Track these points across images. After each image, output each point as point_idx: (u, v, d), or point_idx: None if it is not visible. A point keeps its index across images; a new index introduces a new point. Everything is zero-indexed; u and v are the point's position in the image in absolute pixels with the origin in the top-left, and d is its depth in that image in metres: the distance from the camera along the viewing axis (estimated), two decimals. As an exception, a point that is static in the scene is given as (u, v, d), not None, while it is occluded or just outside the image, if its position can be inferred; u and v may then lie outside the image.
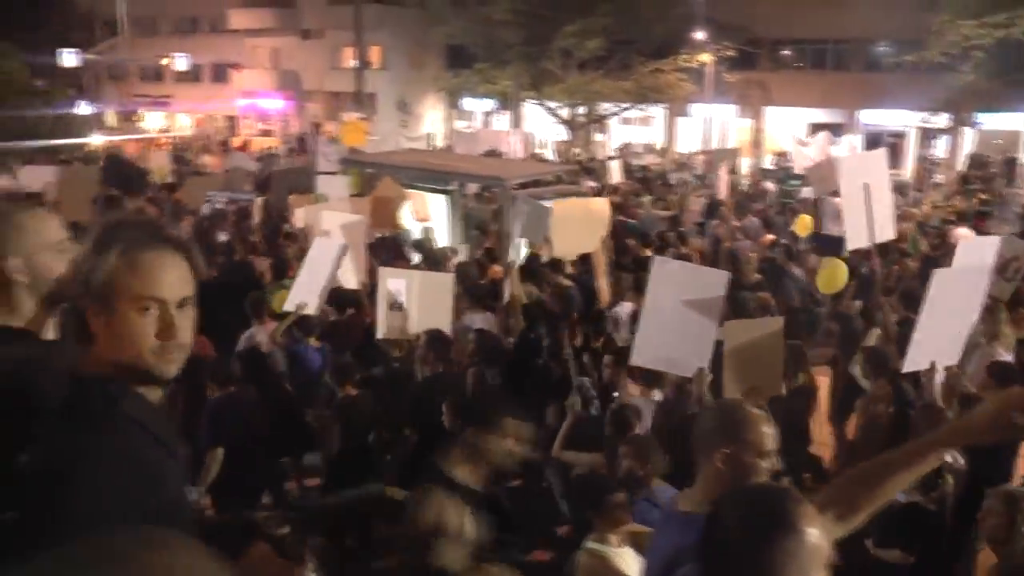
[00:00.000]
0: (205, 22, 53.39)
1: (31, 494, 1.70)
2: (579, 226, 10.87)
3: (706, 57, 35.11)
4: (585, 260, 10.29)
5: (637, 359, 6.57)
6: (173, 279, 1.86)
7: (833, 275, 9.56)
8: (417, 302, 7.74)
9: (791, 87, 37.36)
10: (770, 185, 23.08)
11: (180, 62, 41.93)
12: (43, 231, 2.41)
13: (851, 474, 2.52)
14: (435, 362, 7.10)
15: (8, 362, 2.23)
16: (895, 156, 35.89)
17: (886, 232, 9.73)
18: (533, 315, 8.22)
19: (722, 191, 16.90)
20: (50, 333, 2.46)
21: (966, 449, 5.12)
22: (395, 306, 7.75)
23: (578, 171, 22.34)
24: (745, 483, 2.75)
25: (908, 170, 34.20)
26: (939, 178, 26.68)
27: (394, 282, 7.83)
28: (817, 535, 1.88)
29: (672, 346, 6.30)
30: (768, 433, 2.91)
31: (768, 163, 33.21)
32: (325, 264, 8.20)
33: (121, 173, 15.52)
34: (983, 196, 20.29)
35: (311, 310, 7.97)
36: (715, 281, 6.60)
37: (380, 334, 7.83)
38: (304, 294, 8.10)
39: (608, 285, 9.64)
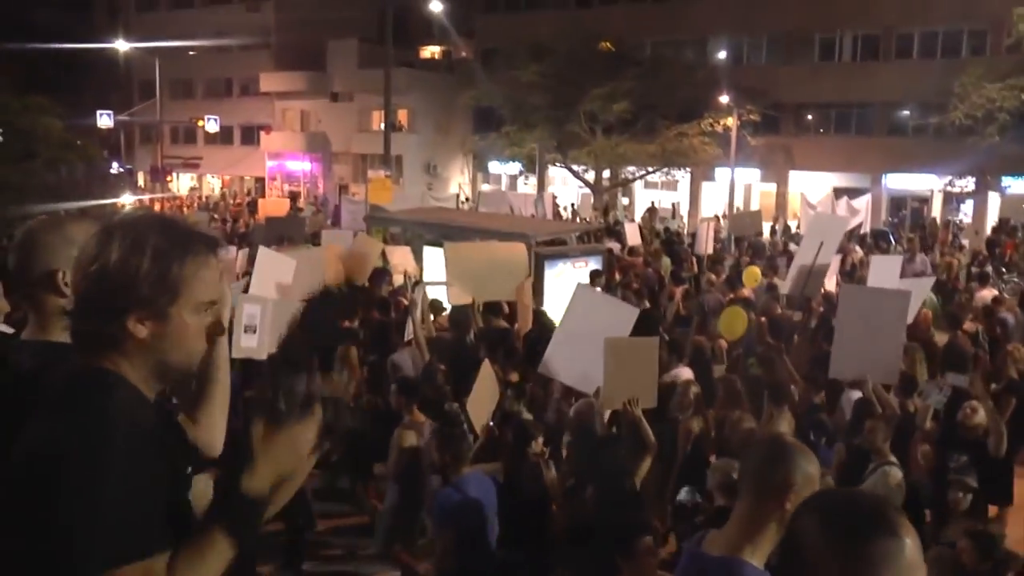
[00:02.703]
0: (237, 85, 54.59)
1: (17, 481, 1.66)
2: (483, 271, 10.53)
3: (730, 121, 35.38)
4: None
5: (544, 369, 7.34)
6: (218, 281, 1.91)
7: (734, 321, 9.99)
8: (270, 327, 7.89)
9: (815, 151, 37.52)
10: (794, 247, 23.21)
11: (211, 124, 42.71)
12: None
13: None
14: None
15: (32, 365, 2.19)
16: (919, 220, 35.81)
17: (814, 290, 10.29)
18: (434, 349, 8.85)
19: (702, 248, 18.56)
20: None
21: None
22: (249, 329, 7.89)
23: (601, 232, 22.43)
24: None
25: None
26: (965, 242, 26.51)
27: (250, 306, 7.99)
28: (917, 550, 1.65)
29: (580, 365, 6.97)
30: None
31: (793, 226, 33.23)
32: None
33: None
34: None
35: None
36: (627, 316, 7.53)
37: (232, 355, 7.97)
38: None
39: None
